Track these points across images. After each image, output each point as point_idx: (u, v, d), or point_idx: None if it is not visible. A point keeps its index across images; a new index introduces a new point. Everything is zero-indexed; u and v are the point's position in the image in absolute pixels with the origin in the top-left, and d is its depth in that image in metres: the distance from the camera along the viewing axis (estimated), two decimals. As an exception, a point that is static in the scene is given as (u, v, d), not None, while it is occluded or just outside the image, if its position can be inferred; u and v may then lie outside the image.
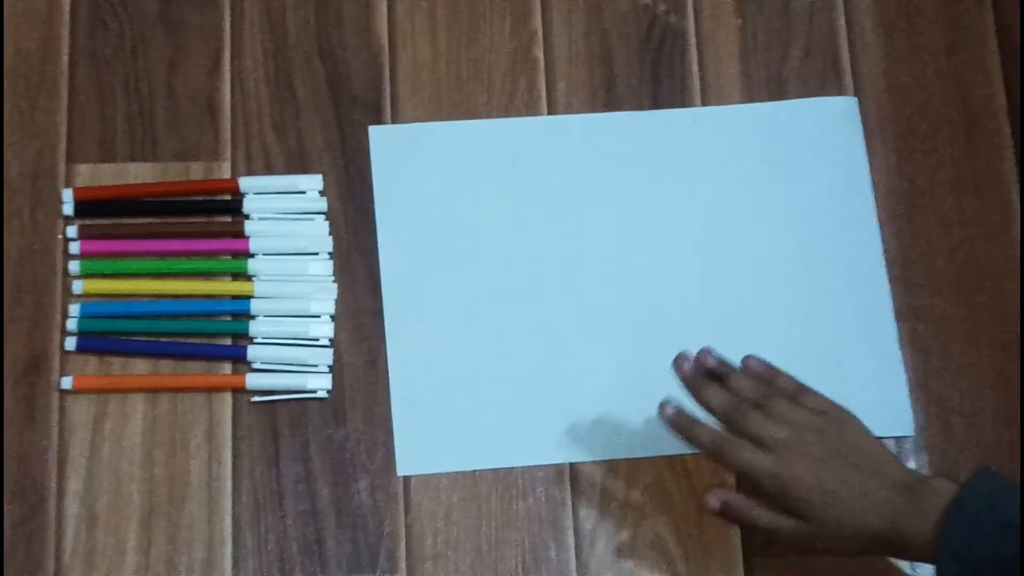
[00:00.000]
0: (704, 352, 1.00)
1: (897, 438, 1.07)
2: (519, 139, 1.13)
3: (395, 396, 1.06)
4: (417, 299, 1.09)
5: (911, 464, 1.07)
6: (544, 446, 1.06)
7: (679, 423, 0.98)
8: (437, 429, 1.06)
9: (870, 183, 1.13)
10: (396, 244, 1.10)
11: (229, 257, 1.09)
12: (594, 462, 1.06)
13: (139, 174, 1.10)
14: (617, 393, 1.07)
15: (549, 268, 1.10)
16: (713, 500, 0.97)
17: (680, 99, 1.15)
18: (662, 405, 0.99)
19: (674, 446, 1.05)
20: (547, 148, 1.13)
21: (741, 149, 1.14)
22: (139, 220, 1.10)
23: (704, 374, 0.99)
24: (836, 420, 0.97)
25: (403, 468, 1.05)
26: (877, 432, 1.06)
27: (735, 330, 1.09)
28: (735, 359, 1.08)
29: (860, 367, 1.09)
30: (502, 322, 1.09)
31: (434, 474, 1.05)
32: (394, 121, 1.13)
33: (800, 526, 0.94)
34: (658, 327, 1.09)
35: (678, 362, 1.00)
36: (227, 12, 1.14)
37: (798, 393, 0.99)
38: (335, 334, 1.07)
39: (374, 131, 1.12)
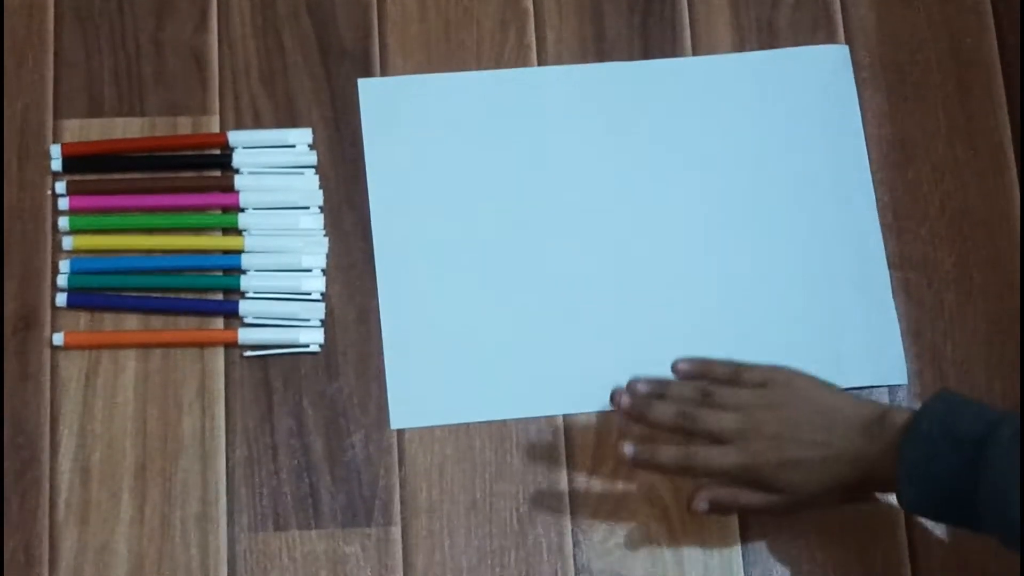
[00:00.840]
0: (632, 381, 1.00)
1: (891, 387, 1.07)
2: (509, 91, 1.13)
3: (388, 349, 1.06)
4: (409, 252, 1.08)
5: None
6: (538, 398, 1.06)
7: (641, 458, 0.98)
8: (430, 382, 1.06)
9: (862, 131, 1.13)
10: (387, 198, 1.09)
11: (219, 212, 1.09)
12: (588, 414, 1.06)
13: (127, 129, 1.10)
14: (610, 345, 1.07)
15: (541, 220, 1.10)
16: (701, 503, 0.98)
17: (671, 49, 1.14)
18: (623, 447, 0.98)
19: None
20: (537, 99, 1.13)
21: (733, 98, 1.13)
22: (128, 176, 1.09)
23: (643, 398, 1.00)
24: (781, 385, 0.97)
25: (396, 421, 1.05)
26: (871, 381, 1.07)
27: (727, 281, 1.09)
28: (728, 309, 1.08)
29: (854, 316, 1.09)
30: (494, 275, 1.08)
31: (428, 427, 1.05)
32: (383, 73, 1.12)
33: (784, 498, 0.95)
34: (650, 278, 1.09)
35: (615, 399, 1.00)
36: (214, -35, 1.14)
37: (736, 374, 0.99)
38: (326, 288, 1.07)
39: (363, 84, 1.11)
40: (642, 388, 1.00)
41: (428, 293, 1.07)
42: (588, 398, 1.06)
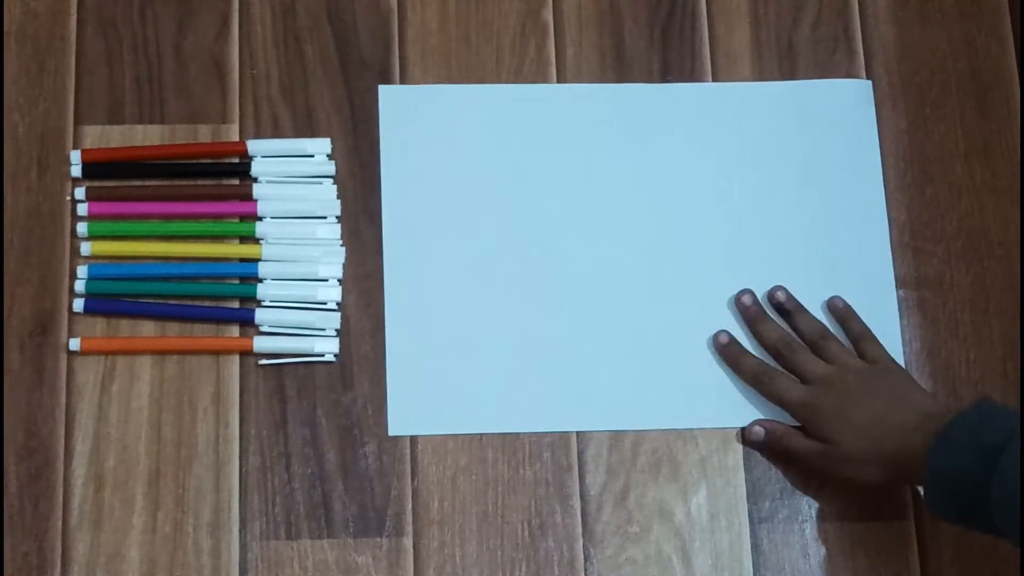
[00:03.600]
0: (776, 287, 1.07)
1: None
2: (529, 106, 1.12)
3: (391, 357, 1.05)
4: (419, 262, 1.08)
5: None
6: (546, 415, 1.05)
7: (729, 352, 1.06)
8: (433, 391, 1.05)
9: (880, 167, 1.12)
10: (400, 206, 1.09)
11: (237, 220, 1.09)
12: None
13: (147, 136, 1.10)
14: (620, 362, 1.07)
15: (554, 235, 1.09)
16: (757, 429, 1.04)
17: (690, 65, 1.14)
18: (717, 333, 1.06)
19: (682, 420, 1.05)
20: (557, 116, 1.13)
21: (752, 127, 1.13)
22: (147, 182, 1.09)
23: (769, 309, 1.07)
24: (884, 369, 1.03)
25: (394, 428, 1.04)
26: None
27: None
28: (737, 330, 1.08)
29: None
30: (506, 289, 1.08)
31: (441, 439, 1.05)
32: (402, 84, 1.12)
33: (827, 449, 1.00)
34: (663, 298, 1.08)
35: (740, 295, 1.07)
36: (236, -26, 1.14)
37: (861, 339, 1.05)
38: (343, 298, 1.07)
39: (384, 91, 1.12)
40: (781, 296, 1.07)
41: (437, 304, 1.07)
42: (597, 416, 1.06)
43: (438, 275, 1.08)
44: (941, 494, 0.92)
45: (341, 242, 1.08)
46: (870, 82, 1.14)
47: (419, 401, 1.05)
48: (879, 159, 1.12)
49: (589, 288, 1.08)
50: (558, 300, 1.08)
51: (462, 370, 1.06)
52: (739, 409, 1.05)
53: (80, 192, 1.08)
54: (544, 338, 1.07)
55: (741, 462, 1.05)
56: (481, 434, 1.05)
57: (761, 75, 1.14)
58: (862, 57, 1.15)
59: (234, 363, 1.06)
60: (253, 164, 1.09)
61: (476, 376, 1.06)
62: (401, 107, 1.12)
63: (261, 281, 1.07)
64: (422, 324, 1.07)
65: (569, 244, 1.09)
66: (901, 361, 1.07)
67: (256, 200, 1.09)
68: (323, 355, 1.06)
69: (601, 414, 1.06)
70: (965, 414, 0.93)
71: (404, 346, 1.06)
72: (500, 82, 1.13)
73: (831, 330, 1.06)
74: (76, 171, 1.09)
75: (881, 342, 1.05)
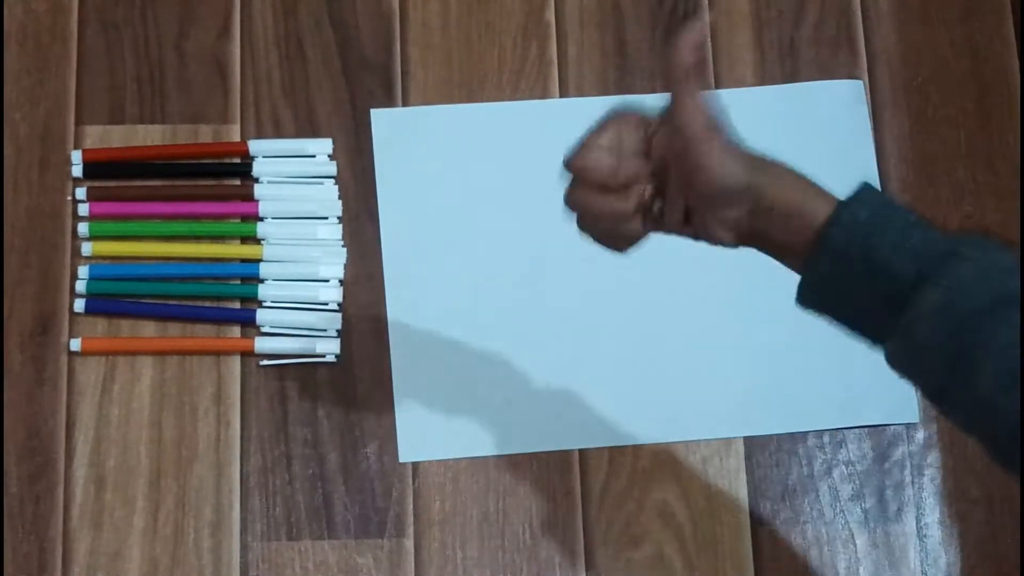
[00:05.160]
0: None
1: (903, 425, 1.06)
2: (523, 122, 1.12)
3: (397, 384, 1.05)
4: (420, 285, 1.07)
5: (919, 452, 1.06)
6: (551, 433, 1.05)
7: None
8: (439, 416, 1.05)
9: (875, 165, 1.12)
10: (398, 230, 1.08)
11: (238, 220, 1.09)
12: (602, 428, 1.06)
13: (148, 136, 1.10)
14: (620, 378, 1.06)
15: (554, 254, 1.08)
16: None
17: (692, 65, 1.14)
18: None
19: (680, 433, 1.05)
20: (552, 132, 1.10)
21: (749, 132, 1.12)
22: (148, 183, 1.09)
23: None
24: None
25: (405, 455, 1.04)
26: (882, 419, 1.07)
27: (738, 317, 1.08)
28: (739, 345, 1.08)
29: (864, 354, 1.07)
30: (506, 302, 1.07)
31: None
32: (404, 85, 1.12)
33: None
34: (663, 313, 1.08)
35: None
36: (237, -26, 1.14)
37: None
38: (344, 298, 1.07)
39: (376, 114, 1.11)
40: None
41: (439, 327, 1.07)
42: (598, 433, 1.05)
43: (438, 298, 1.07)
44: (819, 298, 0.82)
45: (342, 243, 1.08)
46: (861, 82, 1.14)
47: (427, 427, 1.05)
48: (874, 158, 1.12)
49: (588, 301, 1.08)
50: (557, 313, 1.08)
51: (467, 392, 1.05)
52: (739, 418, 1.05)
53: (81, 192, 1.08)
54: (546, 354, 1.07)
55: (743, 463, 1.05)
56: (475, 456, 1.05)
57: (763, 76, 1.14)
58: (864, 58, 1.15)
59: (235, 364, 1.06)
60: (254, 164, 1.09)
61: (481, 398, 1.05)
62: (394, 129, 1.11)
63: (262, 282, 1.07)
64: (425, 351, 1.06)
65: (568, 259, 1.08)
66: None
67: (257, 200, 1.09)
68: (324, 356, 1.06)
69: (607, 430, 1.05)
70: (857, 202, 0.80)
71: (409, 368, 1.05)
72: (502, 83, 1.13)
73: None
74: (77, 171, 1.09)
75: None
